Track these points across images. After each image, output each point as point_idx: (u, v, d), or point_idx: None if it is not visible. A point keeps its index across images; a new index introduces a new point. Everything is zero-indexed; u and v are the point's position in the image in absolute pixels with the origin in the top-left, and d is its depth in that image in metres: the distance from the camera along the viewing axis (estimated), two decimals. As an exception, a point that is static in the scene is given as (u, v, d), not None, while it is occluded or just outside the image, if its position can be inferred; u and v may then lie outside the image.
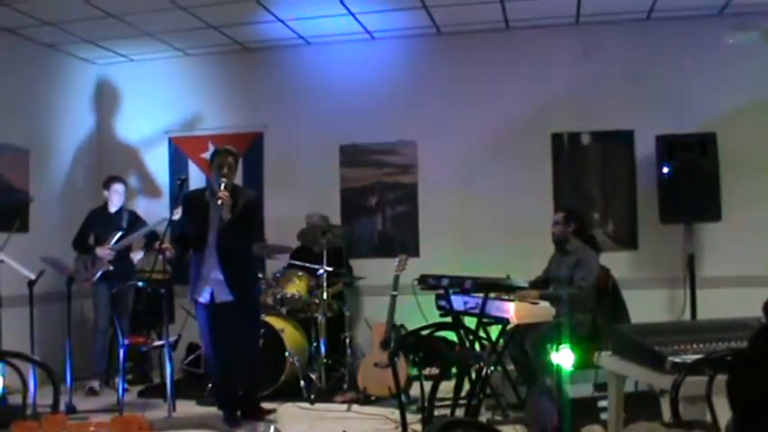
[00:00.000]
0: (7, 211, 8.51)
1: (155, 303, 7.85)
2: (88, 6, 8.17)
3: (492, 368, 6.31)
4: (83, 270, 8.42)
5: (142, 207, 9.74)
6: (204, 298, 6.80)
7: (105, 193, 8.76)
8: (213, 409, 7.11)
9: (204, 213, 6.86)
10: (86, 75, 10.30)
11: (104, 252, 8.41)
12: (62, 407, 6.56)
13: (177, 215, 8.35)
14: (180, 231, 7.51)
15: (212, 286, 6.79)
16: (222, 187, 6.71)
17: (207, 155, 9.97)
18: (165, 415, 7.08)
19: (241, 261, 6.95)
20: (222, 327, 6.83)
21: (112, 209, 8.71)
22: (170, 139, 10.28)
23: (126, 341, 7.72)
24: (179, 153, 10.25)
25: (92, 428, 2.70)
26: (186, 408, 7.49)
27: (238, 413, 6.89)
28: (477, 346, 6.59)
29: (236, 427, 6.70)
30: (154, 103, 10.28)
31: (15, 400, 6.32)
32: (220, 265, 6.79)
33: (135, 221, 8.78)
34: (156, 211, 9.52)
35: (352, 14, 8.80)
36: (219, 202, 6.64)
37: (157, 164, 10.31)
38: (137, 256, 8.65)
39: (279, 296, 8.47)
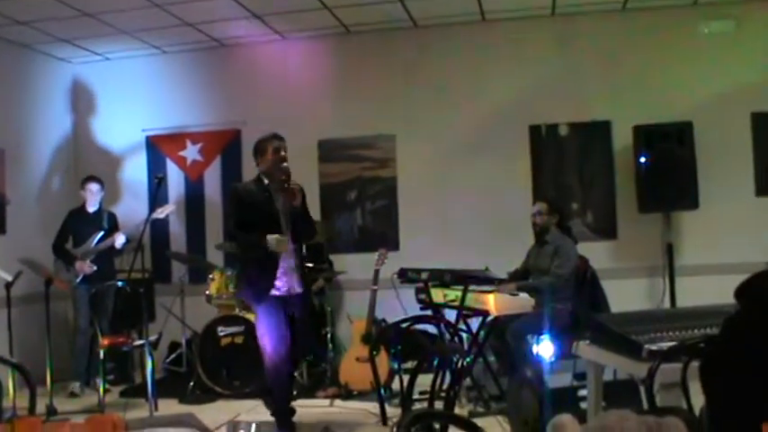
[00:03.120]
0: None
1: (134, 303, 7.82)
2: (62, 5, 8.12)
3: (469, 359, 6.33)
4: (64, 271, 8.39)
5: (121, 207, 9.69)
6: (280, 290, 6.55)
7: (82, 193, 8.74)
8: (194, 407, 7.09)
9: (268, 205, 6.57)
10: (62, 74, 10.23)
11: (83, 267, 8.36)
12: (43, 409, 6.57)
13: (161, 214, 8.33)
14: (241, 225, 6.58)
15: (288, 277, 6.60)
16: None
17: (184, 153, 10.00)
18: (147, 414, 7.05)
19: (303, 251, 6.89)
20: (296, 319, 6.72)
21: (90, 209, 8.68)
22: (147, 138, 10.23)
23: (106, 341, 7.70)
24: (157, 152, 10.20)
25: (66, 429, 2.66)
26: (168, 406, 7.48)
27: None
28: (457, 339, 6.62)
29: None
30: (131, 101, 10.20)
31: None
32: (295, 255, 6.67)
33: (115, 224, 8.75)
34: (136, 210, 9.47)
35: (328, 8, 8.78)
36: (292, 188, 6.48)
37: (135, 163, 10.25)
38: (119, 240, 8.49)
39: (259, 293, 8.46)
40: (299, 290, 6.66)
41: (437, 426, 2.92)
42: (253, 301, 6.69)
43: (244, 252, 6.76)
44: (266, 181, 6.65)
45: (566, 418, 1.94)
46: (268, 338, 6.57)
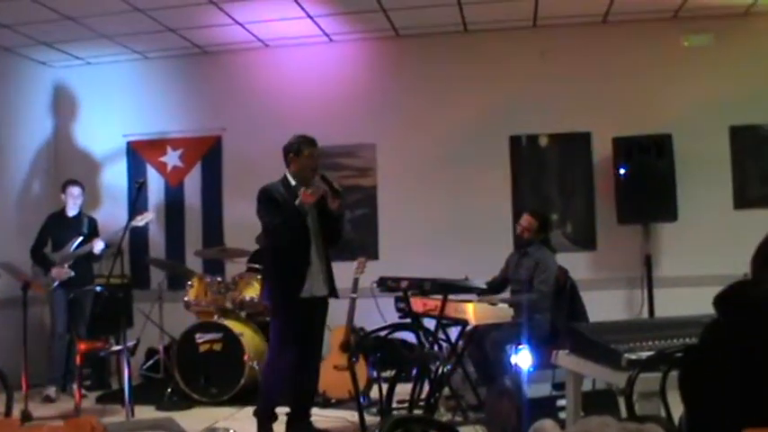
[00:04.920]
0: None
1: (113, 308, 7.78)
2: (44, 8, 8.09)
3: (449, 367, 6.33)
4: (42, 276, 8.33)
5: (101, 212, 9.65)
6: (307, 292, 6.46)
7: (62, 196, 8.68)
8: (171, 414, 7.04)
9: (298, 207, 6.42)
10: (43, 78, 10.19)
11: (60, 273, 8.30)
12: (18, 414, 6.52)
13: (141, 222, 8.29)
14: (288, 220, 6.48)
15: (313, 279, 6.52)
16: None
17: (165, 158, 9.98)
18: (123, 420, 7.00)
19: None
20: (316, 321, 6.70)
21: (70, 213, 8.63)
22: (128, 143, 10.20)
23: (83, 346, 7.64)
24: (137, 157, 10.17)
25: (44, 431, 2.65)
26: (145, 413, 7.43)
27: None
28: (436, 348, 6.61)
29: None
30: (112, 106, 10.19)
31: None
32: (323, 258, 6.64)
33: (94, 229, 8.70)
34: (115, 216, 9.45)
35: (311, 17, 8.80)
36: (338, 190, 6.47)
37: (116, 168, 10.23)
38: (98, 246, 8.44)
39: (238, 300, 8.44)
40: (323, 293, 6.64)
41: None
42: (280, 302, 6.56)
43: (277, 237, 6.58)
44: (293, 182, 6.63)
45: (547, 423, 1.95)
46: (279, 340, 6.56)
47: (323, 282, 6.64)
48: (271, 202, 6.53)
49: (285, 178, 6.70)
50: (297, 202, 6.34)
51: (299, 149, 6.69)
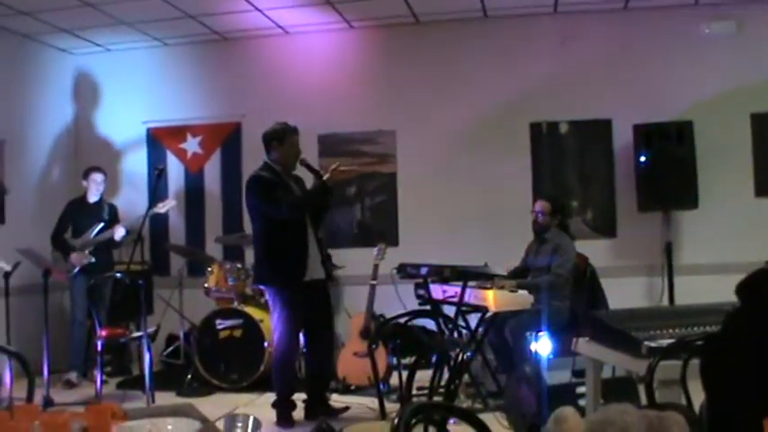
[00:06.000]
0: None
1: (133, 295, 7.81)
2: (64, -4, 8.13)
3: (470, 354, 6.33)
4: (62, 262, 8.37)
5: (120, 199, 9.68)
6: (308, 276, 6.56)
7: (84, 183, 8.72)
8: (192, 400, 7.07)
9: (287, 192, 6.61)
10: (64, 65, 10.21)
11: (81, 259, 8.32)
12: (39, 400, 6.55)
13: (163, 209, 8.32)
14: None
15: (312, 264, 6.62)
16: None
17: (185, 145, 9.99)
18: (144, 406, 7.03)
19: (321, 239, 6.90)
20: (320, 305, 6.77)
21: (91, 199, 8.67)
22: (148, 130, 10.22)
23: (104, 333, 7.68)
24: (157, 144, 10.19)
25: (65, 417, 2.65)
26: (165, 399, 7.47)
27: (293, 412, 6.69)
28: (456, 335, 6.61)
29: (292, 427, 6.56)
30: (132, 93, 10.20)
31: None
32: (318, 242, 6.72)
33: (115, 216, 8.74)
34: (135, 203, 9.48)
35: (331, 3, 8.78)
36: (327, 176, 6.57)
37: (135, 155, 10.25)
38: (118, 233, 8.47)
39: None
40: (321, 275, 6.70)
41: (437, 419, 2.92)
42: (282, 288, 6.60)
43: (296, 212, 6.60)
44: (277, 168, 6.67)
45: (568, 411, 1.95)
46: (285, 328, 6.59)
47: (320, 265, 6.71)
48: (272, 188, 6.57)
49: (269, 166, 6.74)
50: (325, 177, 6.50)
51: (283, 137, 6.76)
